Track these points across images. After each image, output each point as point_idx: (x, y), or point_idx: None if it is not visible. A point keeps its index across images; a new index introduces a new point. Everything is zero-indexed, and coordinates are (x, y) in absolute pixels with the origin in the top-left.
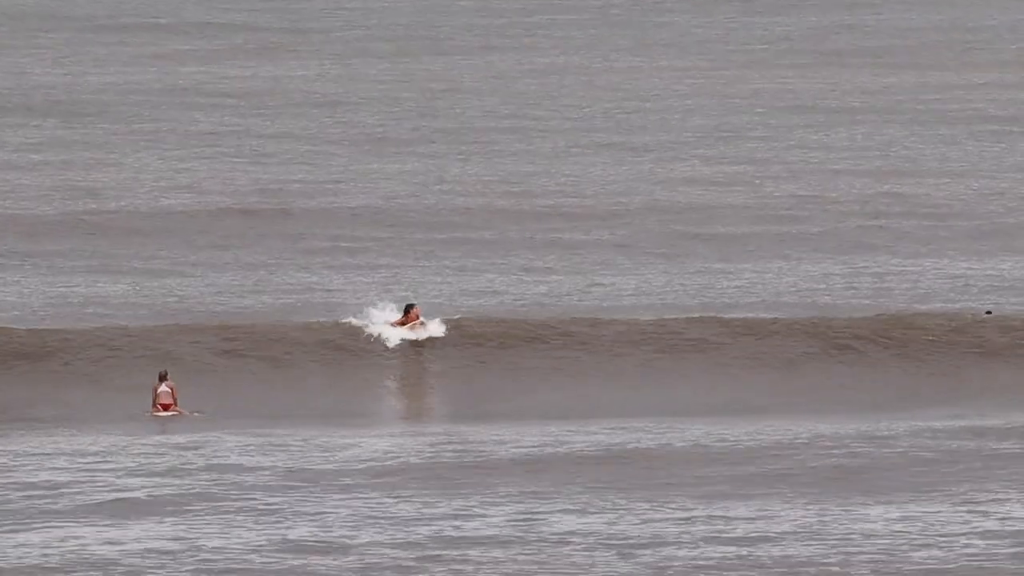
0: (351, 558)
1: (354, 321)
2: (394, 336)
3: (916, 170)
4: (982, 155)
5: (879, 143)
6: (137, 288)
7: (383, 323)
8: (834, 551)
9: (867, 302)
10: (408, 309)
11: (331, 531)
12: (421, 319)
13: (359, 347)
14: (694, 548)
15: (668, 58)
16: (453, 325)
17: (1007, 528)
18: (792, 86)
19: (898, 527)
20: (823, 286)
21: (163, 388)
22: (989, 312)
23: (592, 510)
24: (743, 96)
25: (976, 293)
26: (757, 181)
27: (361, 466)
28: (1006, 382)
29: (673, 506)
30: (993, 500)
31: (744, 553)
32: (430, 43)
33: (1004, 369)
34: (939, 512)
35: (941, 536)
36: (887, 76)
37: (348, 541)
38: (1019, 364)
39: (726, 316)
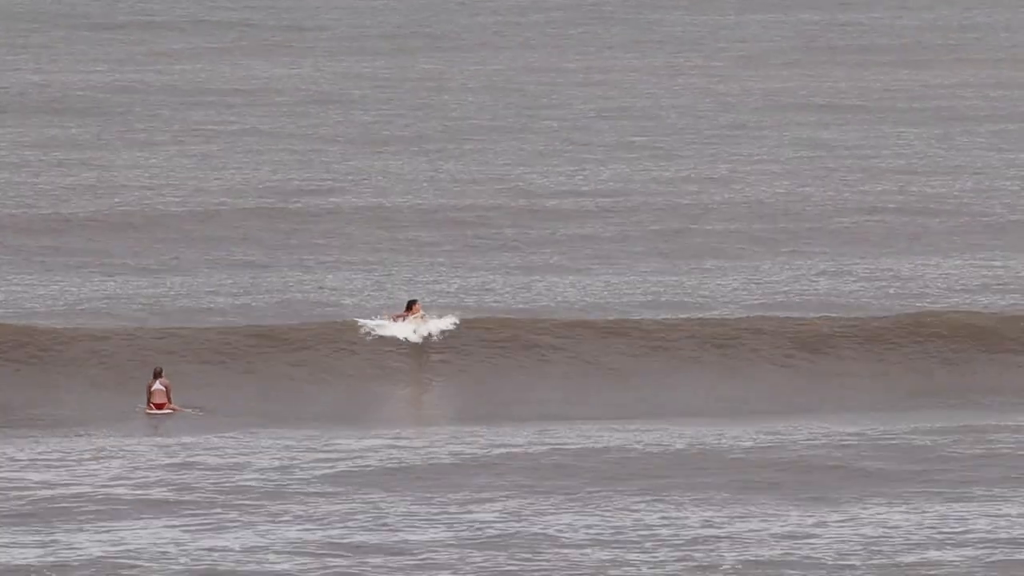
0: (348, 558)
1: (351, 319)
2: (395, 331)
3: (910, 167)
4: (973, 152)
5: (872, 140)
6: (130, 287)
7: (384, 319)
8: (830, 550)
9: (866, 300)
10: (410, 305)
11: (328, 532)
12: (422, 314)
13: (356, 346)
14: (691, 548)
15: (663, 56)
16: (453, 323)
17: (1001, 527)
18: (785, 84)
19: (894, 526)
20: (817, 284)
21: (157, 386)
22: None
23: (589, 509)
24: (735, 94)
25: (969, 291)
26: (752, 178)
27: (357, 466)
28: (1013, 380)
29: (669, 506)
30: (990, 499)
31: (744, 552)
32: (425, 41)
33: (1008, 367)
34: (936, 511)
35: (938, 535)
36: (880, 74)
37: (344, 541)
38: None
39: (726, 316)
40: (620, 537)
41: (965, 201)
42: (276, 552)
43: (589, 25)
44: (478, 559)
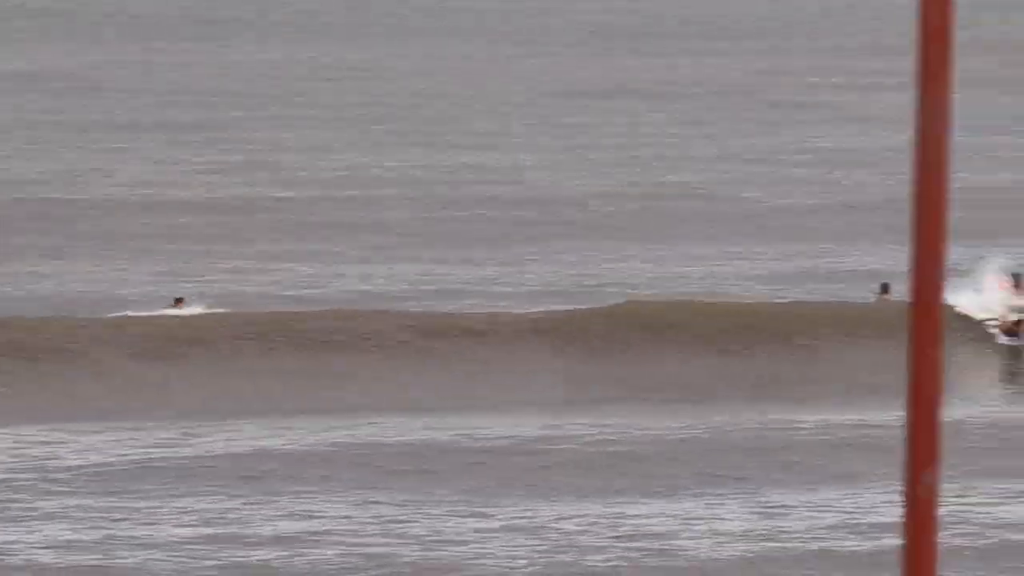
0: (92, 553)
1: (117, 311)
2: (165, 323)
3: (659, 155)
4: (725, 138)
5: (627, 128)
6: None
7: (149, 311)
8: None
9: (610, 288)
10: (177, 301)
11: (80, 526)
12: (184, 306)
13: (116, 340)
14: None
15: (423, 42)
16: (206, 311)
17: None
18: (555, 70)
19: (675, 523)
20: (560, 273)
21: None
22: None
23: (358, 504)
24: (496, 81)
25: (717, 279)
26: (504, 166)
27: (105, 460)
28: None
29: (479, 505)
30: (777, 492)
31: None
32: (180, 24)
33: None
34: (721, 505)
35: (717, 531)
36: (635, 60)
37: (92, 538)
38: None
39: (483, 305)
40: (418, 536)
41: (713, 188)
42: (37, 547)
43: (350, 13)
44: (263, 559)
